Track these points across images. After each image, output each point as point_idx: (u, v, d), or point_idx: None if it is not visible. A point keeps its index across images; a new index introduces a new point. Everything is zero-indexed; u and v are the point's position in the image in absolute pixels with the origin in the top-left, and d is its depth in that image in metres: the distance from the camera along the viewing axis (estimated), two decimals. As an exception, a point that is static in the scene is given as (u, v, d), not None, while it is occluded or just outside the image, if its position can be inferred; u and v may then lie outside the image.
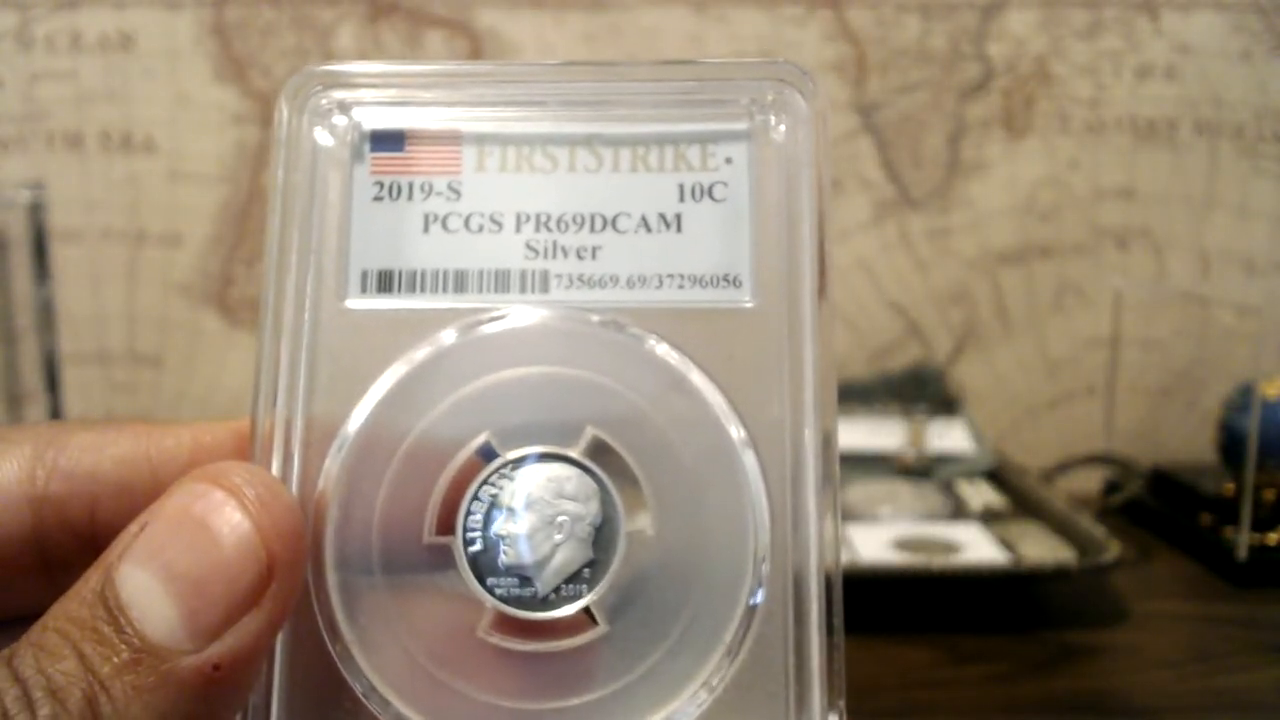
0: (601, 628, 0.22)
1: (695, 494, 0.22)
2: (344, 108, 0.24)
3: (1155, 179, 0.81)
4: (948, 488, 0.70)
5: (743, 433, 0.23)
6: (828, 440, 0.22)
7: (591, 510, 0.22)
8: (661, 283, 0.23)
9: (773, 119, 0.24)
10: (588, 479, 0.22)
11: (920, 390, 0.79)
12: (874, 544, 0.60)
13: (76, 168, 0.78)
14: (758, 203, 0.24)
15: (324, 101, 0.24)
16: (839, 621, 0.22)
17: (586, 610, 0.22)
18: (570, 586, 0.22)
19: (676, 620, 0.22)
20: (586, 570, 0.22)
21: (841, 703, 0.22)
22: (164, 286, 0.80)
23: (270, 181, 0.24)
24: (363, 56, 0.78)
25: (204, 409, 0.80)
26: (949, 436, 0.75)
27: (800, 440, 0.22)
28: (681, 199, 0.24)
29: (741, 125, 0.24)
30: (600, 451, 0.22)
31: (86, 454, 0.23)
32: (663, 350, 0.23)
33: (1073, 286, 0.82)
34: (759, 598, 0.22)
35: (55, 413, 0.65)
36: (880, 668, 0.50)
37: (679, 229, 0.24)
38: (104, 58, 0.77)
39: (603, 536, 0.22)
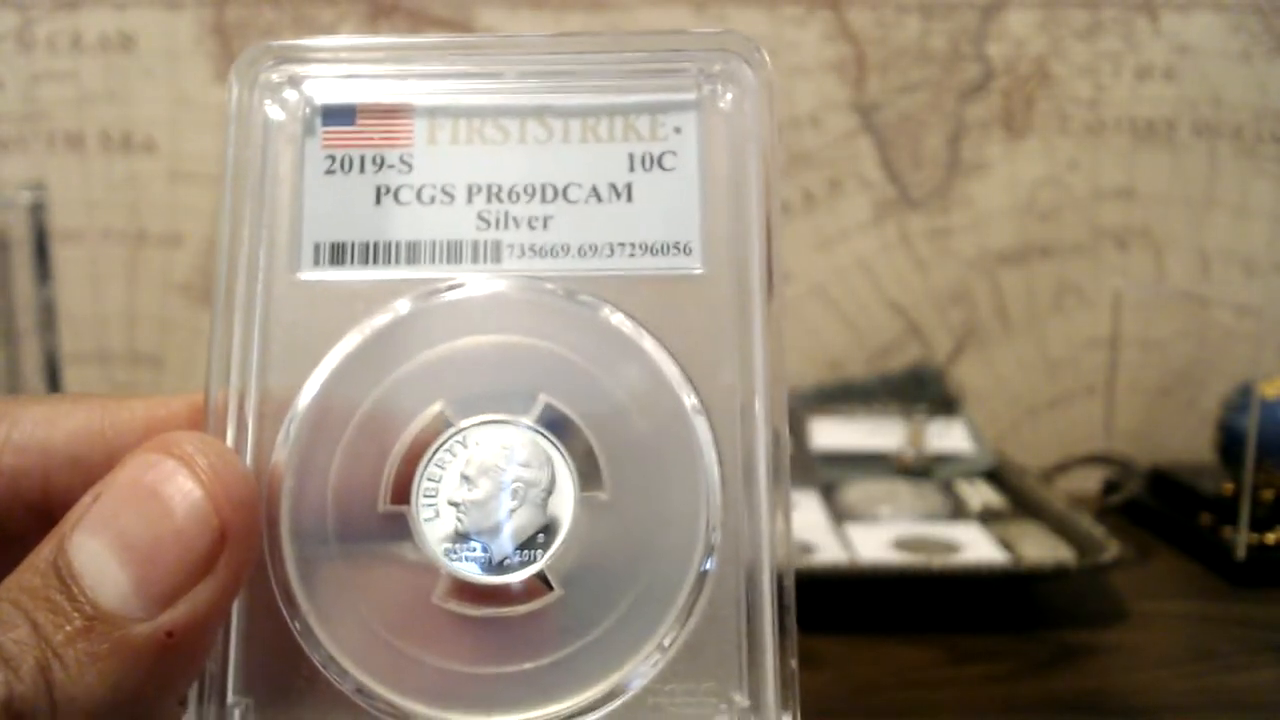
0: (556, 592, 0.22)
1: (648, 459, 0.23)
2: (295, 82, 0.24)
3: (1154, 179, 0.81)
4: (947, 488, 0.70)
5: (694, 399, 0.23)
6: (778, 408, 0.23)
7: (545, 476, 0.22)
8: (613, 251, 0.24)
9: (720, 89, 0.24)
10: (541, 445, 0.22)
11: (920, 390, 0.79)
12: (873, 544, 0.60)
13: (77, 168, 0.78)
14: (706, 171, 0.24)
15: (275, 76, 0.24)
16: (790, 583, 0.22)
17: (541, 575, 0.22)
18: (525, 552, 0.22)
19: (630, 584, 0.22)
20: (541, 535, 0.22)
21: (794, 661, 0.22)
22: (164, 286, 0.80)
23: (223, 156, 0.24)
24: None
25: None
26: (949, 436, 0.75)
27: (750, 405, 0.23)
28: (631, 168, 0.24)
29: (690, 95, 0.24)
30: (554, 418, 0.23)
31: (40, 427, 0.23)
32: (616, 318, 0.23)
33: (1072, 287, 0.82)
34: (711, 562, 0.22)
35: (56, 412, 0.65)
36: (880, 667, 0.51)
37: (629, 198, 0.24)
38: (104, 58, 0.77)
39: (557, 502, 0.22)
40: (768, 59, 0.24)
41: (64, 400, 0.24)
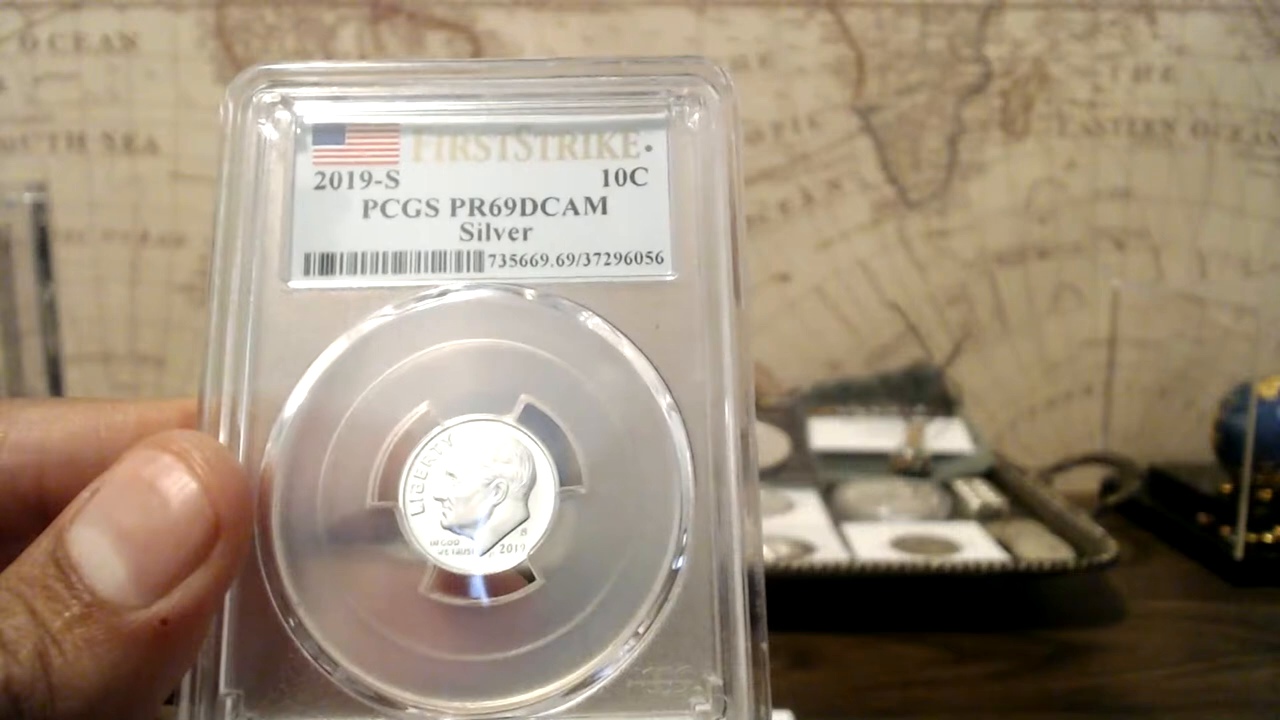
0: (537, 582, 0.23)
1: (625, 455, 0.24)
2: (287, 103, 0.25)
3: (1152, 180, 0.81)
4: (946, 487, 0.70)
5: (669, 398, 0.24)
6: (745, 406, 0.24)
7: (526, 472, 0.23)
8: (589, 260, 0.25)
9: (688, 109, 0.26)
10: (523, 443, 0.23)
11: (919, 390, 0.79)
12: (872, 543, 0.61)
13: (79, 169, 0.79)
14: (676, 185, 0.25)
15: (268, 97, 0.25)
16: (760, 570, 0.23)
17: (523, 566, 0.23)
18: (507, 544, 0.23)
19: (607, 574, 0.23)
20: (523, 529, 0.23)
21: (764, 644, 0.23)
22: (166, 287, 0.80)
23: (217, 173, 0.25)
24: (364, 58, 0.78)
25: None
26: (947, 436, 0.75)
27: (721, 403, 0.24)
28: (606, 183, 0.25)
29: (660, 116, 0.26)
30: (534, 417, 0.24)
31: (37, 428, 0.24)
32: (593, 322, 0.24)
33: (1070, 287, 0.82)
34: (684, 553, 0.23)
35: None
36: (879, 666, 0.51)
37: (604, 211, 0.25)
38: (107, 59, 0.78)
39: (537, 497, 0.23)
40: (732, 82, 0.25)
41: (60, 403, 0.25)
